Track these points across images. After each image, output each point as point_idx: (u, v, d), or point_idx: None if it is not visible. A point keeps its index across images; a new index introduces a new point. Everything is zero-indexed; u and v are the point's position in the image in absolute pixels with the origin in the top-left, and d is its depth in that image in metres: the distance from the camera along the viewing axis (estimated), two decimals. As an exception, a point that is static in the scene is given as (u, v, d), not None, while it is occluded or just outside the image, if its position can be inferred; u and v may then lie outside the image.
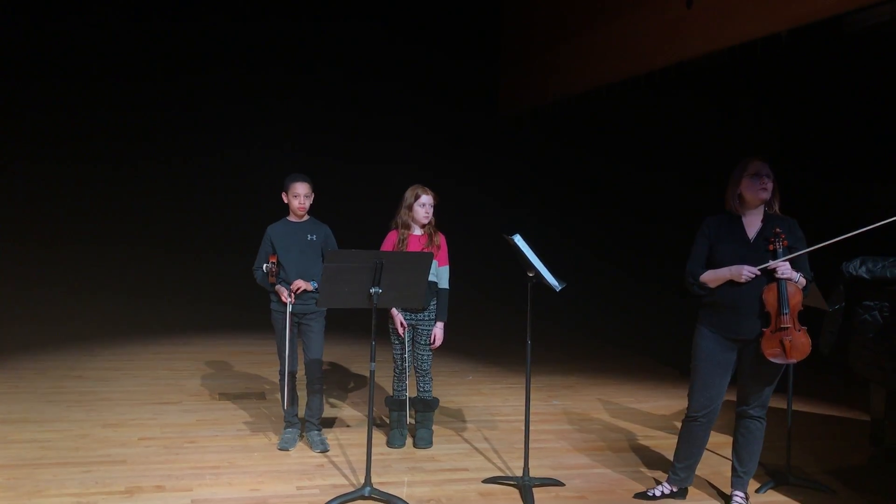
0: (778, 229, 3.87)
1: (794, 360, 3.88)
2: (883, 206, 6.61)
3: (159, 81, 10.64)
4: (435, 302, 4.96)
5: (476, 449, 5.02)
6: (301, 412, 5.06)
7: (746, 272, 3.84)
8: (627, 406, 6.20)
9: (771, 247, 3.86)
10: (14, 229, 10.01)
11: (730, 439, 4.31)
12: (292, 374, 4.94)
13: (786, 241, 3.85)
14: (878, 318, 4.67)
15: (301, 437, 5.02)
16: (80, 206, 10.53)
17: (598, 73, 8.99)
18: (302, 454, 4.80)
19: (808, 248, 3.90)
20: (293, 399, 4.99)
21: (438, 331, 4.98)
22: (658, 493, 4.26)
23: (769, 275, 3.84)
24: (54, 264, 10.21)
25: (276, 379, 5.05)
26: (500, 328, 9.42)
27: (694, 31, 7.25)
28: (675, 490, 4.26)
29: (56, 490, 4.09)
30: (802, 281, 3.89)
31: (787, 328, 3.80)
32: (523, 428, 4.38)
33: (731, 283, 3.92)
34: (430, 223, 4.97)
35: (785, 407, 4.71)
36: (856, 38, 6.04)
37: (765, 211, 4.00)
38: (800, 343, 3.83)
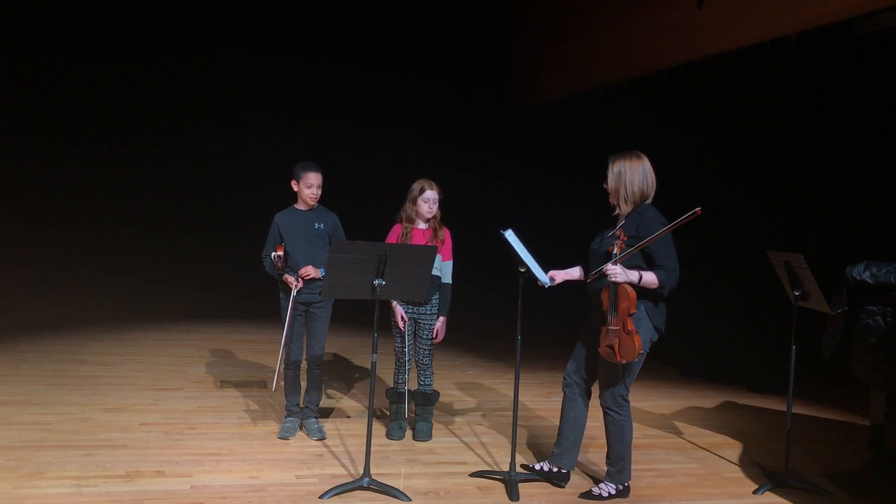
0: (619, 231, 3.97)
1: (623, 362, 3.96)
2: (892, 210, 6.61)
3: (160, 64, 10.61)
4: (437, 296, 4.96)
5: (475, 443, 5.04)
6: (302, 402, 5.07)
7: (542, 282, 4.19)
8: (627, 404, 6.19)
9: (610, 249, 3.98)
10: (16, 211, 10.00)
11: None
12: (296, 364, 4.95)
13: (622, 244, 3.92)
14: (880, 323, 4.66)
15: (301, 426, 5.04)
16: (85, 189, 10.46)
17: (607, 71, 8.98)
18: (302, 443, 4.82)
19: (652, 234, 3.91)
20: (295, 389, 5.00)
21: (441, 325, 4.99)
22: (605, 494, 4.22)
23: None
24: (58, 247, 10.20)
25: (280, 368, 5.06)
26: (502, 323, 9.41)
27: (704, 32, 7.24)
28: (620, 489, 4.22)
29: (56, 472, 4.11)
30: (650, 278, 3.92)
31: (616, 330, 3.93)
32: (521, 423, 4.39)
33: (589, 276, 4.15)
34: (434, 218, 4.97)
35: (785, 409, 4.72)
36: (865, 42, 6.03)
37: (633, 209, 4.09)
38: (626, 345, 3.92)
